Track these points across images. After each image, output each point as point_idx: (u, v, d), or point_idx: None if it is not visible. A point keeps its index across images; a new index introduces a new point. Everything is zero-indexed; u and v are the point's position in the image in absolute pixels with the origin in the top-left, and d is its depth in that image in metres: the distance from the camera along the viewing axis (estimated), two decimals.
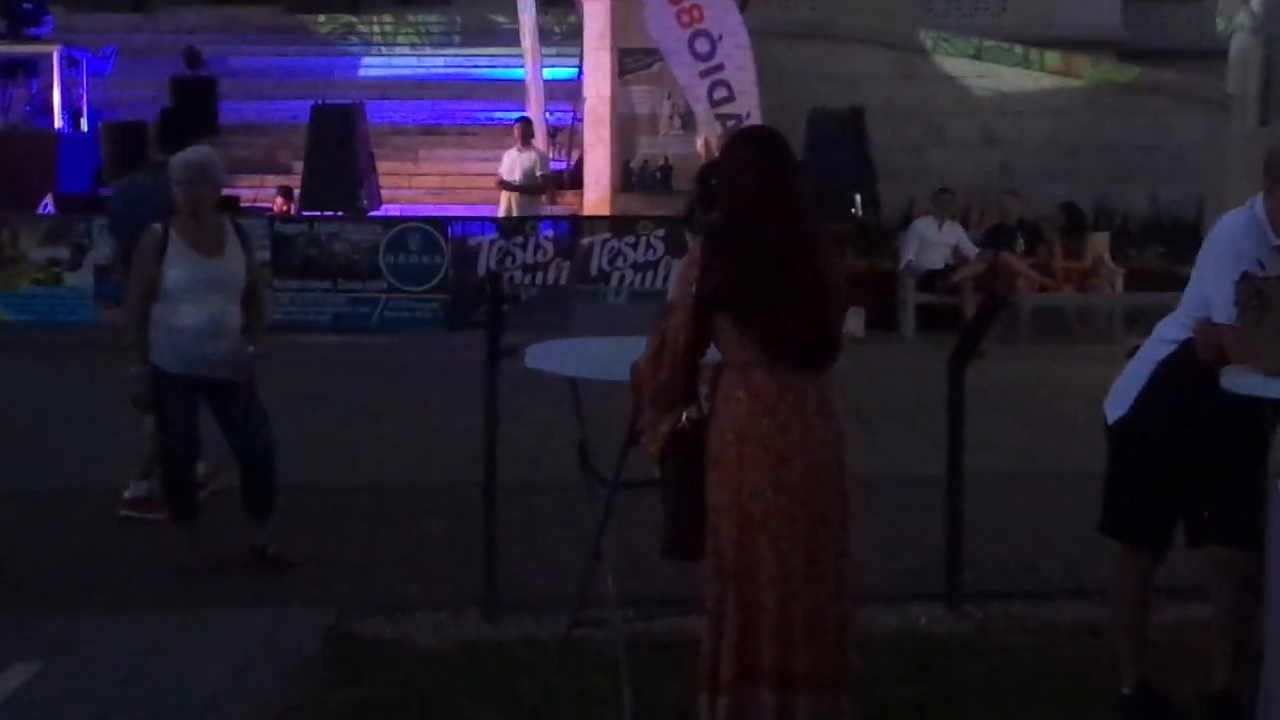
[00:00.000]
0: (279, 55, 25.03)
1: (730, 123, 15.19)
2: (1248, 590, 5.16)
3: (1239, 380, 4.86)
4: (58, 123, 21.86)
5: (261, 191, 19.25)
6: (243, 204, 17.86)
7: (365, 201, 17.52)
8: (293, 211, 17.76)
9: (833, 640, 4.55)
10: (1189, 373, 5.12)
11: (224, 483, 8.30)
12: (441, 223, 16.35)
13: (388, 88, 23.90)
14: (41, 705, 5.78)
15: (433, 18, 26.97)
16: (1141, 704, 5.45)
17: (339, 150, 17.37)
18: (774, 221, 4.53)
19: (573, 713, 5.40)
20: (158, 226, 7.35)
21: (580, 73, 20.38)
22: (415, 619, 6.57)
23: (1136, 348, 5.54)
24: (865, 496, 5.01)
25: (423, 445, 10.10)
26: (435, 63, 25.41)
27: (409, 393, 12.22)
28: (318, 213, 16.93)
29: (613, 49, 18.89)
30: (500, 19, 24.06)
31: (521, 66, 21.43)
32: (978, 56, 22.67)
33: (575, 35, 21.06)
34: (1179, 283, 5.51)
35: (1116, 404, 5.43)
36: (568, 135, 21.30)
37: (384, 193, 18.72)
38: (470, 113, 23.16)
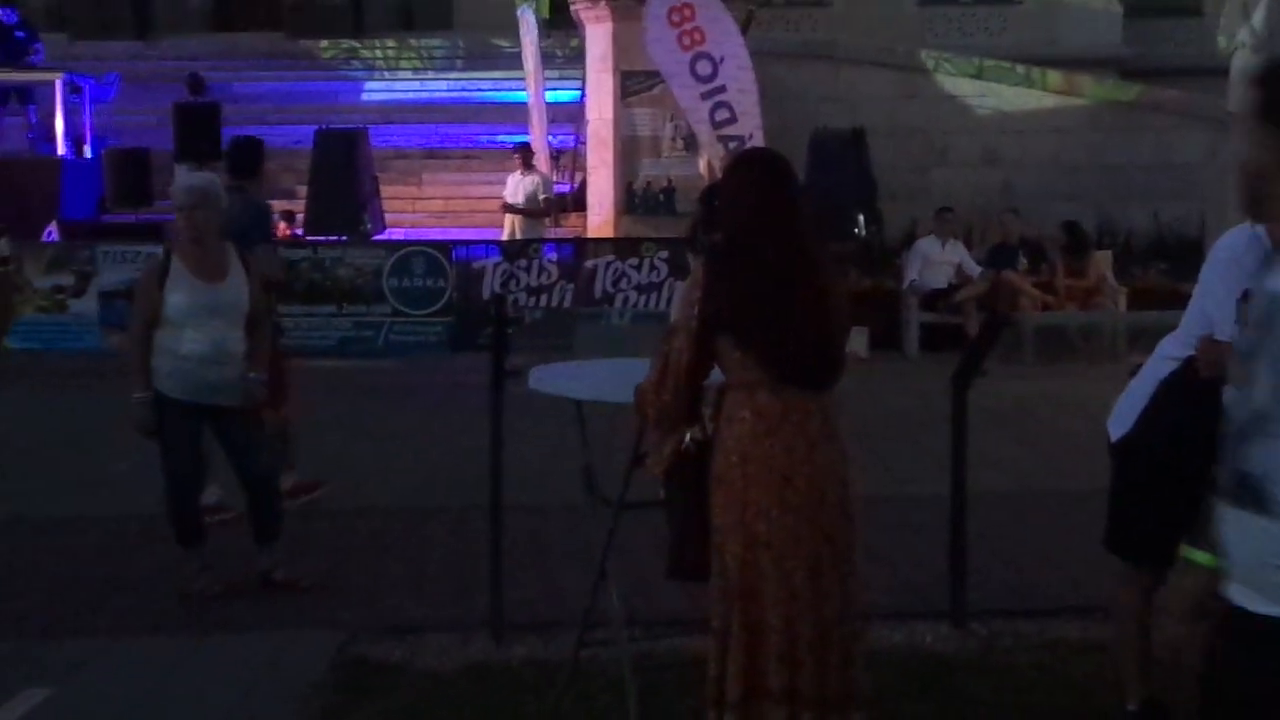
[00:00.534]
0: (281, 81, 25.11)
1: (732, 144, 15.19)
2: None
3: None
4: (61, 149, 21.90)
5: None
6: None
7: (369, 225, 17.55)
8: (296, 235, 17.80)
9: (839, 659, 4.55)
10: (1192, 390, 5.13)
11: (233, 513, 8.33)
12: (445, 246, 16.37)
13: (391, 112, 23.96)
14: None
15: (435, 42, 27.03)
16: (1148, 718, 5.46)
17: (343, 174, 17.42)
18: (776, 243, 4.56)
19: None
20: (160, 252, 7.37)
21: (583, 95, 20.42)
22: (423, 641, 6.58)
23: (1139, 366, 5.56)
24: (869, 515, 5.03)
25: (428, 468, 10.12)
26: (438, 86, 25.49)
27: (414, 416, 12.25)
28: (322, 237, 16.96)
29: (615, 71, 18.94)
30: (502, 43, 24.13)
31: (524, 89, 21.48)
32: (979, 76, 22.72)
33: (577, 58, 21.12)
34: (1181, 300, 5.53)
35: (1119, 422, 5.45)
36: (571, 158, 21.34)
37: (388, 216, 18.75)
38: (473, 136, 23.23)
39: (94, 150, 22.28)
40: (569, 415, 5.62)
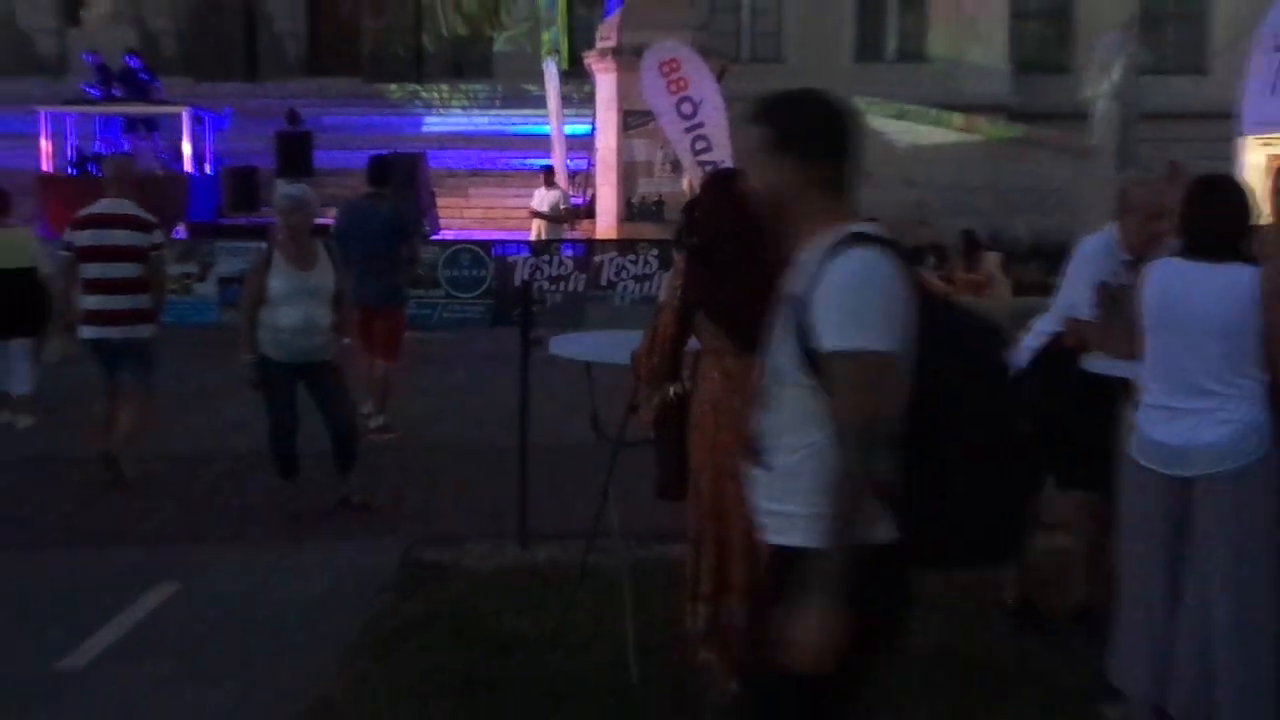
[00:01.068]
0: (361, 115, 25.03)
1: (708, 167, 15.16)
2: (1102, 525, 5.21)
3: (1096, 363, 4.91)
4: (187, 167, 21.86)
5: None
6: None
7: (428, 228, 17.54)
8: None
9: None
10: (1058, 357, 5.16)
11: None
12: (487, 244, 16.31)
13: (445, 140, 23.90)
14: (185, 614, 5.86)
15: (480, 86, 26.95)
16: (1020, 613, 5.50)
17: (407, 189, 17.38)
18: (739, 244, 4.56)
19: (589, 618, 5.44)
20: (265, 246, 7.36)
21: (593, 129, 20.37)
22: (466, 548, 6.61)
23: (1020, 339, 5.58)
24: None
25: (472, 416, 10.12)
26: (481, 121, 25.40)
27: (461, 375, 12.26)
28: None
29: (619, 110, 18.88)
30: (532, 88, 24.04)
31: (548, 124, 21.43)
32: (900, 117, 22.64)
33: (589, 100, 21.03)
34: (1051, 290, 5.54)
35: None
36: (584, 177, 21.29)
37: (442, 221, 18.73)
38: (508, 160, 23.17)
39: (213, 168, 22.23)
40: (581, 374, 5.63)
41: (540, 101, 22.22)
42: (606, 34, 19.21)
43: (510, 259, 16.05)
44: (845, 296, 2.64)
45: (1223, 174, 4.69)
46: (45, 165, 21.48)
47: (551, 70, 21.49)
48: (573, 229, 19.23)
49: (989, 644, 5.21)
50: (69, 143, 22.06)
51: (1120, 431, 4.81)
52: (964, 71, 26.94)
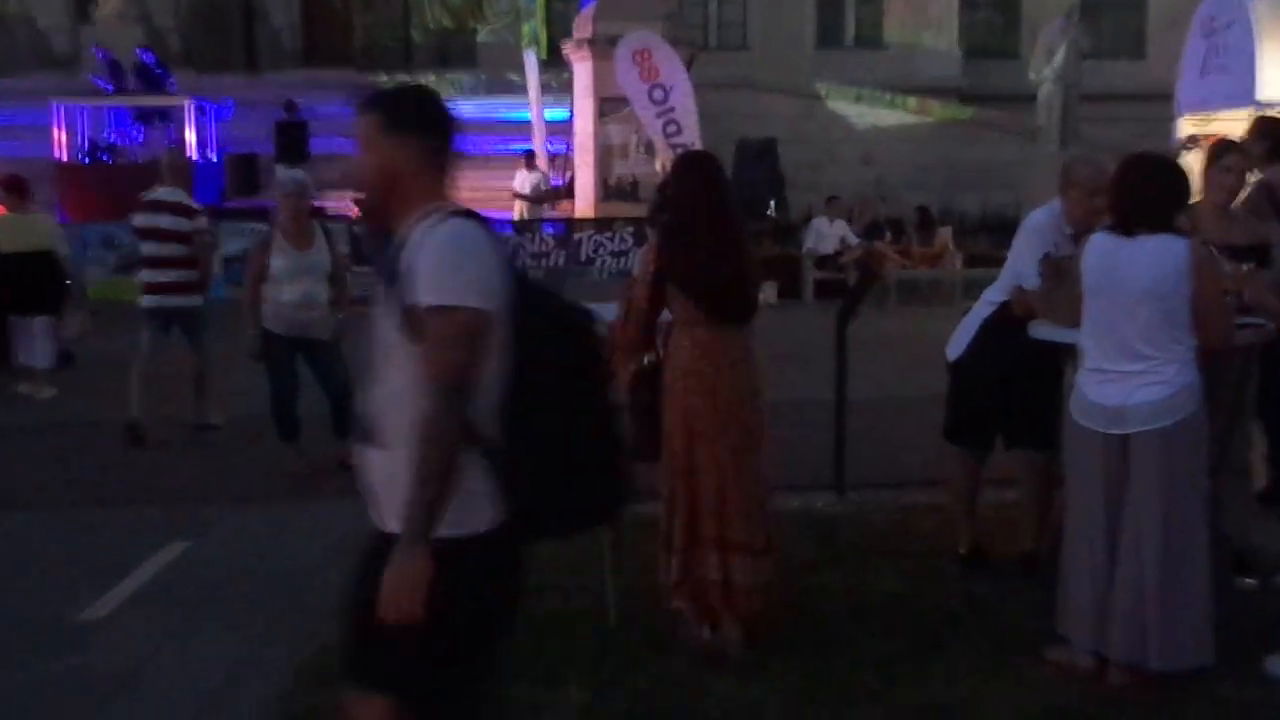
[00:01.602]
0: (353, 105, 24.82)
1: (679, 149, 15.12)
2: (1046, 480, 5.25)
3: (1041, 330, 4.94)
4: (191, 154, 21.68)
5: (342, 203, 19.12)
6: (328, 212, 17.73)
7: None
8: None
9: (757, 516, 4.61)
10: (1006, 324, 5.18)
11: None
12: None
13: None
14: (195, 569, 5.87)
15: (464, 75, 26.68)
16: (972, 559, 5.54)
17: None
18: (708, 221, 4.56)
19: (569, 566, 5.44)
20: (266, 228, 7.34)
21: (571, 115, 20.26)
22: None
23: (969, 308, 5.60)
24: (775, 414, 5.06)
25: None
26: (466, 108, 24.54)
27: None
28: None
29: (595, 97, 18.75)
30: (514, 76, 23.86)
31: (528, 110, 21.32)
32: (858, 100, 22.70)
33: (567, 88, 20.91)
34: (1000, 262, 5.56)
35: (955, 347, 5.50)
36: (563, 160, 21.18)
37: None
38: (492, 144, 22.98)
39: (217, 155, 22.06)
40: None
41: (521, 89, 22.07)
42: (582, 25, 19.08)
43: None
44: (442, 256, 2.60)
45: (1153, 152, 4.70)
46: (60, 155, 21.27)
47: (531, 60, 21.36)
48: (553, 209, 19.18)
49: (941, 590, 5.25)
50: (81, 133, 21.84)
51: (1064, 394, 4.84)
52: (918, 57, 26.86)
